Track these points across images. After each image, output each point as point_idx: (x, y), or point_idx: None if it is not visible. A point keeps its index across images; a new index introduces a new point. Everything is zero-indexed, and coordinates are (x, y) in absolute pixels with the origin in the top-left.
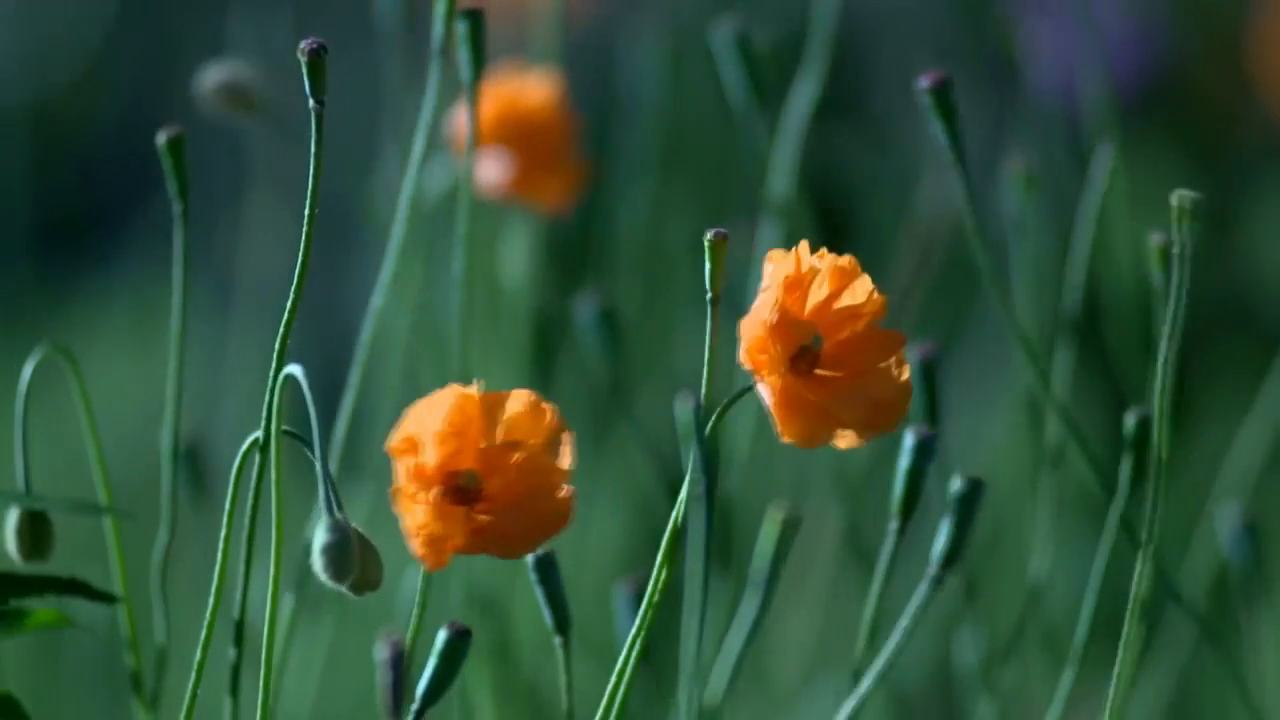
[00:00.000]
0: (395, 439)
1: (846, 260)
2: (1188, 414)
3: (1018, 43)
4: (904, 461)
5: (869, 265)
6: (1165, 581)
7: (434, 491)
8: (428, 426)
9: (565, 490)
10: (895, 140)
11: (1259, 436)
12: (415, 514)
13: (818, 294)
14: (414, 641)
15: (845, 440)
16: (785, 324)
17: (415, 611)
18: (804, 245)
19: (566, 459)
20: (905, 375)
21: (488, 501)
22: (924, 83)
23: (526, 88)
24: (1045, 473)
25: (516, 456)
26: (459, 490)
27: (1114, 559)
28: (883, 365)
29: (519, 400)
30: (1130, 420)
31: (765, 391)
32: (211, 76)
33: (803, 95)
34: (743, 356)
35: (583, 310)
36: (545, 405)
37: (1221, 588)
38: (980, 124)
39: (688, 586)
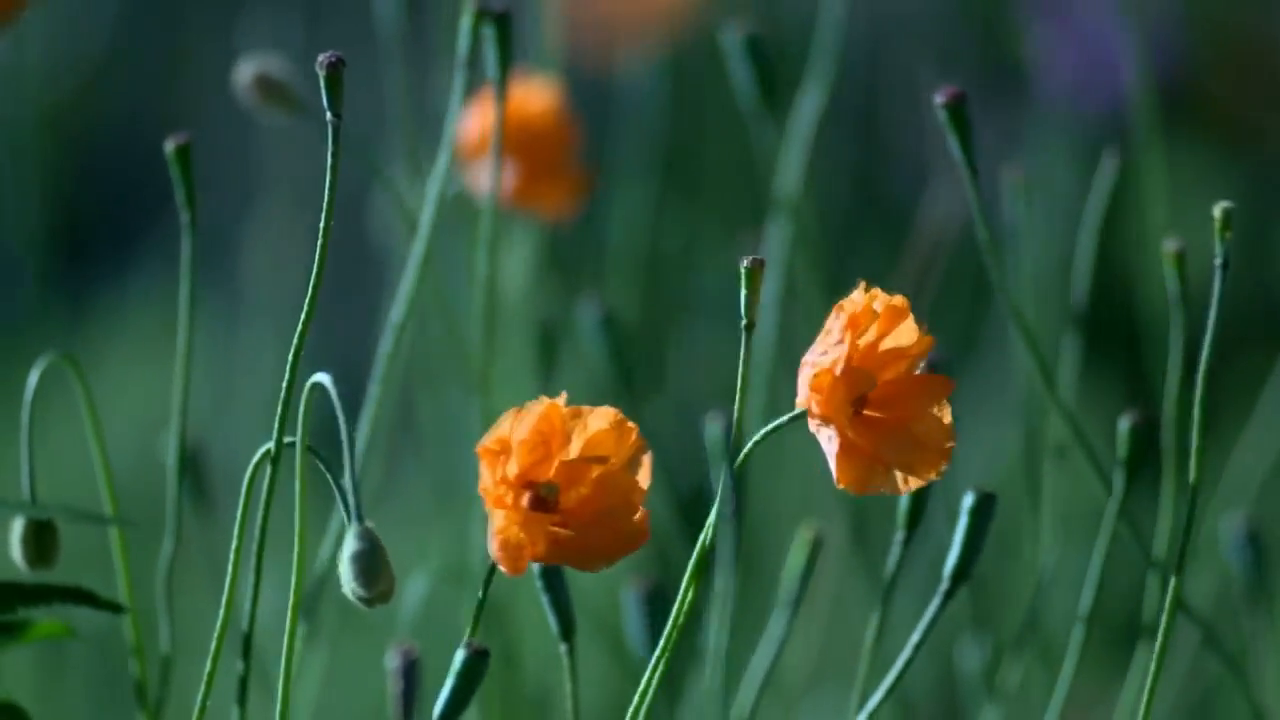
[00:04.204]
0: (488, 441)
1: (899, 300)
2: (1210, 423)
3: (1026, 49)
4: None
5: (872, 273)
6: (1177, 597)
7: (518, 497)
8: (517, 433)
9: (642, 511)
10: (901, 147)
11: (1262, 442)
12: (498, 518)
13: (868, 335)
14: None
15: (892, 485)
16: (850, 373)
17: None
18: (863, 288)
19: (646, 479)
20: (948, 417)
21: (563, 514)
22: (940, 98)
23: (528, 95)
24: (1048, 478)
25: (596, 472)
26: (537, 500)
27: (1113, 560)
28: (929, 409)
29: (603, 417)
30: (1124, 424)
31: (827, 438)
32: (248, 70)
33: (810, 103)
34: (805, 402)
35: (585, 316)
36: (629, 424)
37: (1223, 591)
38: (990, 131)
39: (716, 608)
